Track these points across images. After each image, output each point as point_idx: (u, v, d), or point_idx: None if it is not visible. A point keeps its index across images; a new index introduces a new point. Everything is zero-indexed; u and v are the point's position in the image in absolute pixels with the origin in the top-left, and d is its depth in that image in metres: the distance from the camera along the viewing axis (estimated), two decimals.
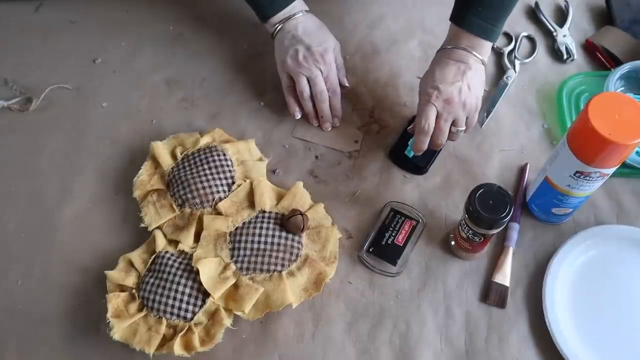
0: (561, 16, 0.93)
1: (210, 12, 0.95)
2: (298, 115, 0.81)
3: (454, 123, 0.74)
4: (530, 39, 0.91)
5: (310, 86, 0.80)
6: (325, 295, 0.70)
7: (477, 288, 0.71)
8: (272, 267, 0.69)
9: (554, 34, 0.90)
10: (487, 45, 0.75)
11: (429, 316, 0.69)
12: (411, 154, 0.78)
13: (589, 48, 0.89)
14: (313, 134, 0.82)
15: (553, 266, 0.69)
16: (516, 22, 0.92)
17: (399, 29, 0.92)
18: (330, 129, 0.82)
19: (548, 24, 0.91)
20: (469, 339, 0.68)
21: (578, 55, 0.88)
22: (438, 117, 0.72)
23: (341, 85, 0.83)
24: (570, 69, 0.87)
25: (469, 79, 0.72)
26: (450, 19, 0.75)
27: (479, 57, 0.73)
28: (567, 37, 0.89)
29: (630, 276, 0.70)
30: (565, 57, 0.87)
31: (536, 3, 0.93)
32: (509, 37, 0.90)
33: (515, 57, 0.88)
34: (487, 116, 0.82)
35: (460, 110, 0.73)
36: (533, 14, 0.93)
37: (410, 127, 0.78)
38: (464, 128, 0.75)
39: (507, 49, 0.88)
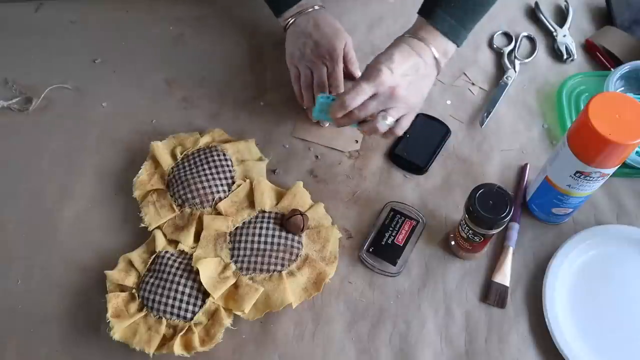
0: (561, 16, 0.93)
1: (211, 13, 0.95)
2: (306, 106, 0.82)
3: (384, 111, 0.69)
4: (530, 39, 0.91)
5: (313, 78, 0.80)
6: (325, 295, 0.70)
7: (477, 288, 0.71)
8: (272, 267, 0.69)
9: (554, 34, 0.90)
10: (450, 47, 0.71)
11: (429, 316, 0.69)
12: (316, 116, 0.74)
13: (589, 48, 0.89)
14: (313, 134, 0.82)
15: (553, 266, 0.69)
16: (516, 22, 0.92)
17: (398, 29, 0.91)
18: (327, 125, 0.82)
19: (548, 24, 0.91)
20: (468, 339, 0.68)
21: (578, 55, 0.88)
22: (373, 97, 0.68)
23: (353, 78, 0.84)
24: (570, 69, 0.87)
25: (419, 79, 0.70)
26: (418, 12, 0.72)
27: (436, 55, 0.70)
28: (567, 37, 0.89)
29: (630, 276, 0.70)
30: (565, 57, 0.87)
31: (536, 3, 0.93)
32: (509, 37, 0.90)
33: (515, 57, 0.88)
34: (487, 116, 0.82)
35: (399, 104, 0.69)
36: (533, 14, 0.93)
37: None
38: (392, 121, 0.69)
39: (507, 49, 0.88)
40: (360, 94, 0.67)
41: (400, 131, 0.72)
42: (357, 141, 0.81)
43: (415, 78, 0.69)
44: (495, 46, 0.89)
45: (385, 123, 0.69)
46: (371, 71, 0.68)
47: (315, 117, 0.77)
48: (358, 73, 0.84)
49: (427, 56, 0.70)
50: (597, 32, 0.89)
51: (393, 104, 0.69)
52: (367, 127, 0.70)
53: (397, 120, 0.71)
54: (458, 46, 0.72)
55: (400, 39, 0.71)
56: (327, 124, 0.81)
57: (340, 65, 0.81)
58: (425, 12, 0.70)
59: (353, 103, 0.67)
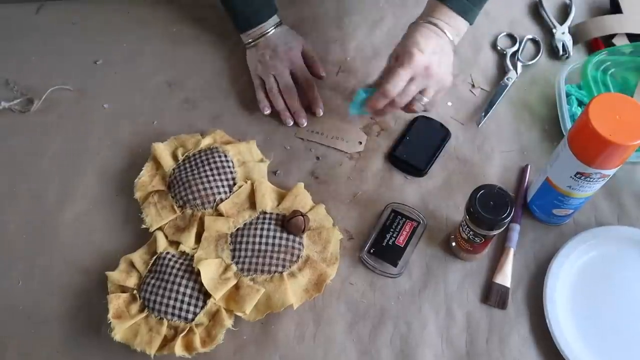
0: (564, 14, 0.92)
1: (212, 14, 0.95)
2: (267, 111, 0.84)
3: (421, 91, 0.72)
4: (534, 41, 0.90)
5: (277, 83, 0.82)
6: (326, 296, 0.70)
7: (478, 289, 0.71)
8: (273, 268, 0.69)
9: (554, 30, 0.90)
10: (463, 26, 0.74)
11: (429, 317, 0.69)
12: (354, 112, 0.76)
13: (594, 47, 0.88)
14: (316, 135, 0.82)
15: (554, 267, 0.69)
16: (519, 21, 0.93)
17: (399, 30, 0.92)
18: (305, 124, 0.83)
19: (549, 20, 0.91)
20: (469, 340, 0.68)
21: (576, 53, 0.88)
22: (411, 81, 0.70)
23: (320, 77, 0.87)
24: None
25: (445, 56, 0.72)
26: None
27: (450, 36, 0.72)
28: (566, 35, 0.89)
29: (630, 277, 0.70)
30: (561, 53, 0.87)
31: (540, 0, 0.93)
32: (512, 39, 0.90)
33: (518, 58, 0.88)
34: (485, 116, 0.82)
35: (434, 82, 0.71)
36: (536, 13, 0.93)
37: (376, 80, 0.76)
38: (428, 100, 0.72)
39: (510, 50, 0.88)
40: (400, 80, 0.69)
41: (433, 109, 0.75)
42: (360, 142, 0.82)
43: (441, 55, 0.71)
44: (499, 47, 0.89)
45: (421, 104, 0.73)
46: (403, 57, 0.70)
47: (353, 113, 0.77)
48: (322, 73, 0.87)
49: (444, 36, 0.72)
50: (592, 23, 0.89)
51: (428, 82, 0.71)
52: (406, 110, 0.73)
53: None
54: (470, 24, 0.74)
55: (415, 24, 0.73)
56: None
57: (302, 63, 0.84)
58: None
59: (395, 90, 0.69)
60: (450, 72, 0.73)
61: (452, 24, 0.73)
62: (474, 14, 0.74)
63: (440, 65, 0.71)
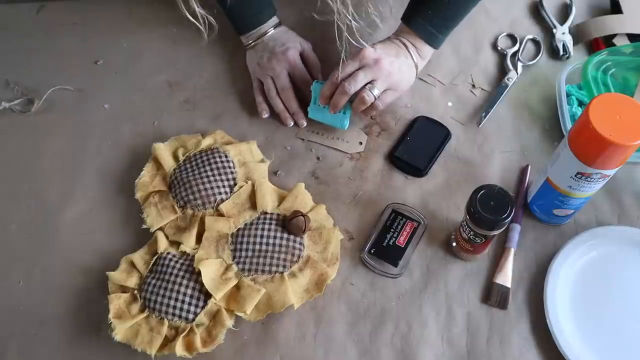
0: (564, 15, 0.93)
1: (213, 15, 0.95)
2: (265, 115, 0.84)
3: (370, 83, 0.75)
4: (535, 42, 0.91)
5: (275, 85, 0.83)
6: (326, 296, 0.70)
7: (479, 289, 0.71)
8: (274, 268, 0.69)
9: (554, 30, 0.90)
10: (427, 50, 0.79)
11: (430, 317, 0.69)
12: (313, 115, 0.80)
13: (594, 47, 0.88)
14: (316, 135, 0.82)
15: (554, 267, 0.70)
16: (519, 21, 0.93)
17: None
18: (305, 124, 0.83)
19: (549, 20, 0.91)
20: (470, 340, 0.68)
21: (577, 52, 0.88)
22: (360, 70, 0.75)
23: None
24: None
25: (403, 64, 0.77)
26: (401, 19, 0.80)
27: (413, 56, 0.78)
28: (566, 35, 0.89)
29: (631, 277, 0.70)
30: (561, 53, 0.88)
31: (540, 0, 0.93)
32: (513, 39, 0.90)
33: (518, 59, 0.88)
34: (485, 116, 0.82)
35: (383, 74, 0.75)
36: (537, 13, 0.93)
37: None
38: (377, 92, 0.75)
39: (510, 51, 0.88)
40: (346, 67, 0.75)
41: (381, 105, 0.77)
42: (361, 143, 0.82)
43: (397, 60, 0.76)
44: (499, 47, 0.89)
45: (371, 93, 0.75)
46: (355, 52, 0.75)
47: (311, 116, 0.81)
48: (319, 77, 0.86)
49: (406, 51, 0.78)
50: (593, 24, 0.89)
51: (378, 74, 0.75)
52: (356, 100, 0.76)
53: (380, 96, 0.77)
54: (436, 49, 0.80)
55: (384, 39, 0.80)
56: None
57: (299, 64, 0.83)
58: (406, 19, 0.79)
59: (341, 75, 0.75)
60: (407, 80, 0.79)
61: (417, 47, 0.79)
62: (439, 40, 0.79)
63: (393, 66, 0.75)
